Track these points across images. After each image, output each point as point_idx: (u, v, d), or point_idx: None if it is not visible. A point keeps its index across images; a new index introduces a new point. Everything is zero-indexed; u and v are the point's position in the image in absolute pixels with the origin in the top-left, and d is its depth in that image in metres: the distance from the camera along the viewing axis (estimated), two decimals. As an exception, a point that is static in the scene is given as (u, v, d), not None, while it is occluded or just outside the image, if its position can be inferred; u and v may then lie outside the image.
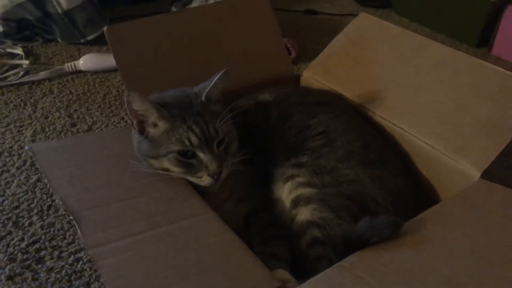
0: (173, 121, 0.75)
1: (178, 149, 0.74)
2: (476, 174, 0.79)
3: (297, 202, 0.78)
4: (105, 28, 0.92)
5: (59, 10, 1.60)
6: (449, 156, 0.84)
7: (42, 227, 0.94)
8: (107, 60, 1.50)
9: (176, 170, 0.76)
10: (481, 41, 1.69)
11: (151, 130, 0.77)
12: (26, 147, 1.12)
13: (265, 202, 0.84)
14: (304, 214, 0.76)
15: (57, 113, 1.30)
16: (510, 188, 0.75)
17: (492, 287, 0.59)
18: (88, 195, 0.72)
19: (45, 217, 0.96)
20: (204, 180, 0.76)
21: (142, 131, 0.78)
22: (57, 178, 0.76)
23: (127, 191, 0.74)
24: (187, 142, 0.74)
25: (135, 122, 0.77)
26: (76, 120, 1.28)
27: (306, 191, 0.78)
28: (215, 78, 0.78)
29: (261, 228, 0.80)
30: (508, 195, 0.74)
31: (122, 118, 1.28)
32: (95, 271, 0.84)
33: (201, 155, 0.75)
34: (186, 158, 0.75)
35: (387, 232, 0.64)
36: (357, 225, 0.66)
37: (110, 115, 1.30)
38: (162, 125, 0.75)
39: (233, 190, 0.82)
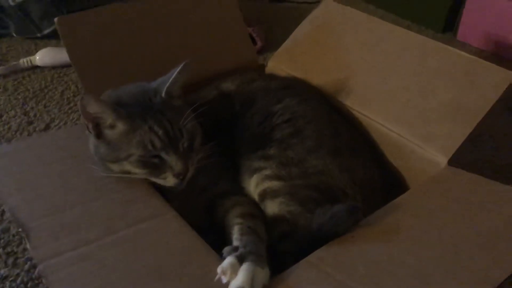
0: (132, 122, 0.70)
1: (140, 153, 0.69)
2: (443, 160, 0.78)
3: (264, 195, 0.75)
4: (56, 20, 0.87)
5: (12, 3, 1.52)
6: (416, 144, 0.82)
7: (-4, 233, 0.89)
8: (65, 54, 1.42)
9: (138, 172, 0.71)
10: (447, 26, 1.69)
11: (108, 133, 0.71)
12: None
13: (236, 188, 0.80)
14: (271, 208, 0.74)
15: (12, 112, 1.24)
16: (476, 173, 0.75)
17: (460, 276, 0.58)
18: (40, 202, 0.68)
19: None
20: (169, 181, 0.71)
21: (99, 135, 0.72)
22: (6, 185, 0.71)
23: (82, 195, 0.70)
24: (149, 146, 0.69)
25: (90, 126, 0.71)
26: (33, 118, 1.22)
27: (273, 184, 0.75)
28: (175, 72, 0.73)
29: (233, 206, 0.75)
30: (474, 181, 0.73)
31: (82, 115, 1.23)
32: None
33: (165, 156, 0.70)
34: (148, 159, 0.70)
35: (349, 222, 0.63)
36: (315, 219, 0.64)
37: (69, 111, 1.24)
38: (121, 126, 0.70)
39: (197, 182, 0.77)
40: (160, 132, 0.69)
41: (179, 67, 0.74)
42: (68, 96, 1.31)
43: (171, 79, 0.73)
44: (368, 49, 0.98)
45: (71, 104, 1.27)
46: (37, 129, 1.18)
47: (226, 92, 0.90)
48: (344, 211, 0.64)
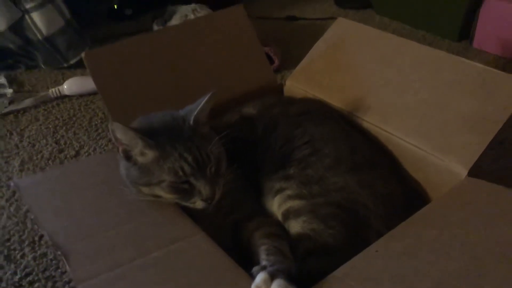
0: (162, 149, 0.73)
1: (171, 179, 0.73)
2: (463, 171, 0.79)
3: (287, 215, 0.78)
4: (83, 54, 0.92)
5: (40, 37, 1.60)
6: (435, 156, 0.84)
7: (34, 258, 0.93)
8: (91, 83, 1.48)
9: (169, 197, 0.75)
10: (462, 34, 1.70)
11: (139, 158, 0.75)
12: (11, 183, 1.11)
13: (260, 210, 0.83)
14: (295, 227, 0.76)
15: (44, 141, 1.30)
16: (497, 183, 0.75)
17: None
18: (75, 227, 0.72)
19: (37, 248, 0.95)
20: (198, 205, 0.75)
21: (128, 158, 0.76)
22: (44, 212, 0.75)
23: (114, 219, 0.73)
24: (180, 172, 0.73)
25: (121, 148, 0.76)
26: (63, 146, 1.27)
27: (295, 203, 0.78)
28: (203, 102, 0.77)
29: (258, 227, 0.77)
30: (495, 191, 0.74)
31: (110, 140, 1.28)
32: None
33: (194, 181, 0.74)
34: (179, 185, 0.74)
35: None
36: None
37: (97, 138, 1.30)
38: (151, 153, 0.74)
39: (222, 205, 0.80)
40: (190, 159, 0.73)
41: (207, 97, 0.77)
42: (96, 123, 1.37)
43: (198, 108, 0.76)
44: (383, 64, 1.00)
45: (99, 131, 1.33)
46: (67, 156, 1.23)
47: (248, 117, 0.93)
48: None
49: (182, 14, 1.61)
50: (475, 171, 0.79)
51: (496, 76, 0.87)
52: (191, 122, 0.76)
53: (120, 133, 0.73)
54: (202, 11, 1.60)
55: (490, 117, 0.83)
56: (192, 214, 0.76)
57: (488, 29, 1.60)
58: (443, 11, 1.70)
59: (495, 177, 0.76)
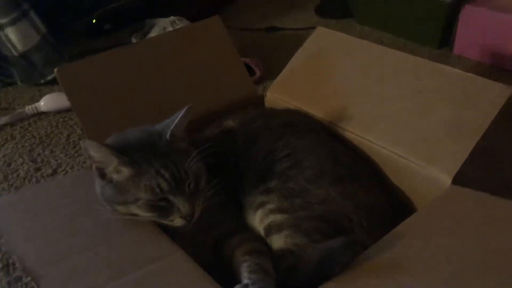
0: (138, 166, 0.70)
1: (148, 197, 0.70)
2: (447, 180, 0.78)
3: (269, 230, 0.76)
4: (55, 70, 0.89)
5: (15, 53, 1.56)
6: (418, 164, 0.82)
7: (9, 283, 0.89)
8: (69, 99, 1.46)
9: (146, 215, 0.72)
10: (442, 42, 1.70)
11: (114, 176, 0.72)
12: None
13: (242, 225, 0.80)
14: (277, 242, 0.74)
15: (20, 159, 1.26)
16: (481, 190, 0.74)
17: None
18: (48, 249, 0.68)
19: (11, 272, 0.91)
20: (177, 222, 0.72)
21: (103, 176, 0.73)
22: (15, 234, 0.72)
23: (90, 239, 0.70)
24: (157, 189, 0.70)
25: (94, 166, 0.73)
26: (40, 164, 1.23)
27: (277, 217, 0.75)
28: (179, 116, 0.75)
29: (240, 244, 0.75)
30: (480, 199, 0.73)
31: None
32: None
33: (172, 198, 0.71)
34: (156, 202, 0.71)
35: (347, 256, 0.63)
36: (315, 258, 0.64)
37: (75, 155, 1.26)
38: (126, 171, 0.71)
39: (202, 222, 0.78)
40: (167, 175, 0.70)
41: (183, 111, 0.75)
42: (74, 139, 1.33)
43: (175, 122, 0.74)
44: (364, 73, 0.99)
45: (77, 148, 1.29)
46: (44, 175, 1.19)
47: (229, 130, 0.91)
48: (342, 246, 0.64)
49: (161, 27, 1.59)
50: (459, 179, 0.78)
51: (477, 82, 0.86)
52: (168, 137, 0.74)
53: (93, 150, 0.70)
54: (181, 23, 1.58)
55: (471, 124, 0.82)
56: (170, 232, 0.73)
57: (468, 36, 1.61)
58: (423, 18, 1.71)
59: (479, 184, 0.75)
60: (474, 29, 1.59)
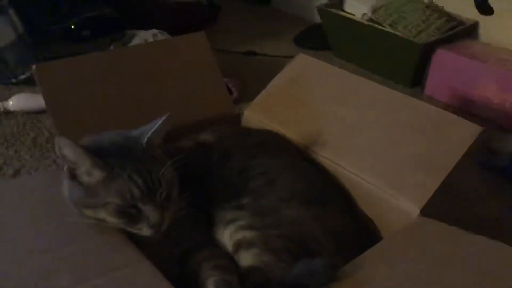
0: (111, 170, 0.68)
1: (118, 202, 0.68)
2: (415, 210, 0.80)
3: (238, 246, 0.75)
4: (33, 66, 0.87)
5: (-14, 50, 1.52)
6: (389, 193, 0.84)
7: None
8: (40, 100, 1.42)
9: (113, 221, 0.70)
10: (415, 82, 1.77)
11: (85, 178, 0.70)
12: None
13: (210, 240, 0.79)
14: (246, 259, 0.73)
15: (-19, 158, 1.21)
16: (448, 223, 0.76)
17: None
18: (7, 249, 0.65)
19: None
20: (144, 231, 0.70)
21: (73, 177, 0.71)
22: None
23: (52, 241, 0.68)
24: (128, 196, 0.68)
25: (66, 166, 0.70)
26: (2, 164, 1.19)
27: (247, 234, 0.75)
28: (159, 123, 0.74)
29: (208, 258, 0.73)
30: (446, 231, 0.74)
31: (54, 161, 1.21)
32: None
33: (142, 206, 0.69)
34: (125, 209, 0.69)
35: (324, 277, 0.63)
36: (294, 271, 0.64)
37: (41, 158, 1.22)
38: (98, 174, 0.69)
39: (170, 233, 0.76)
40: (140, 182, 0.69)
41: (163, 118, 0.74)
42: (41, 142, 1.29)
43: (153, 129, 0.73)
44: (340, 101, 1.02)
45: (43, 150, 1.25)
46: (5, 175, 1.15)
47: (204, 144, 0.91)
48: (322, 266, 0.64)
49: (142, 39, 1.58)
50: (427, 211, 0.80)
51: (448, 118, 0.90)
52: (144, 143, 0.73)
53: (67, 149, 0.68)
54: (163, 37, 1.58)
55: (442, 158, 0.84)
56: (137, 241, 0.71)
57: (439, 78, 1.68)
58: (397, 58, 1.77)
59: (446, 217, 0.77)
60: (445, 72, 1.66)
